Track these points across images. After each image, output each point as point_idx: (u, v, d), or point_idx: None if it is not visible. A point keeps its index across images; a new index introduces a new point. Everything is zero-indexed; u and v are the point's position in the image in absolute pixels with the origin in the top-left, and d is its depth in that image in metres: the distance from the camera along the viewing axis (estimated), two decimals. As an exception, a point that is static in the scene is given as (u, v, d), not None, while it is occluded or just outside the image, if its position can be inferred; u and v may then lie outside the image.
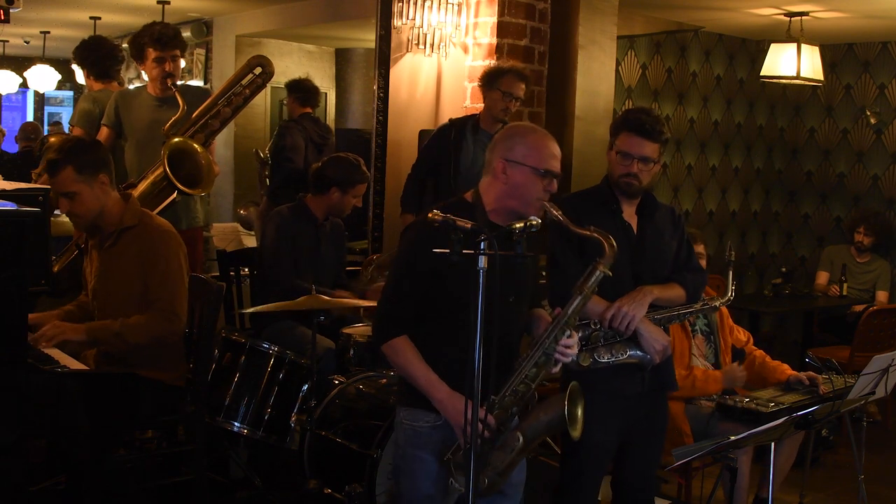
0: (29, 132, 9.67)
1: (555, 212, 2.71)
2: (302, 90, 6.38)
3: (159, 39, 4.55)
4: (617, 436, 3.20)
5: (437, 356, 2.69)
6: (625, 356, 3.10)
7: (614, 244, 2.68)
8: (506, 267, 2.43)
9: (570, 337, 2.68)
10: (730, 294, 3.41)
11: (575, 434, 2.65)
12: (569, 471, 3.24)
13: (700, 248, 4.06)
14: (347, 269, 4.94)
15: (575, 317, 2.68)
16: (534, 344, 2.69)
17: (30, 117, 14.83)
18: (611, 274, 2.69)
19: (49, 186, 3.53)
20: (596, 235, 2.69)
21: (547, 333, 2.67)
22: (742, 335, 4.32)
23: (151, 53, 4.58)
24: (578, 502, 3.23)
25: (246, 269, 5.03)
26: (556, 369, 2.71)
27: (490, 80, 4.61)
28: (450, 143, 4.65)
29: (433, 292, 2.67)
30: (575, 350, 2.71)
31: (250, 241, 6.53)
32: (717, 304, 3.37)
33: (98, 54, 5.17)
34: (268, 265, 4.48)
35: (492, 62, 5.09)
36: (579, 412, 2.67)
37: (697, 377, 3.99)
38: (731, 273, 3.42)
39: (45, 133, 10.46)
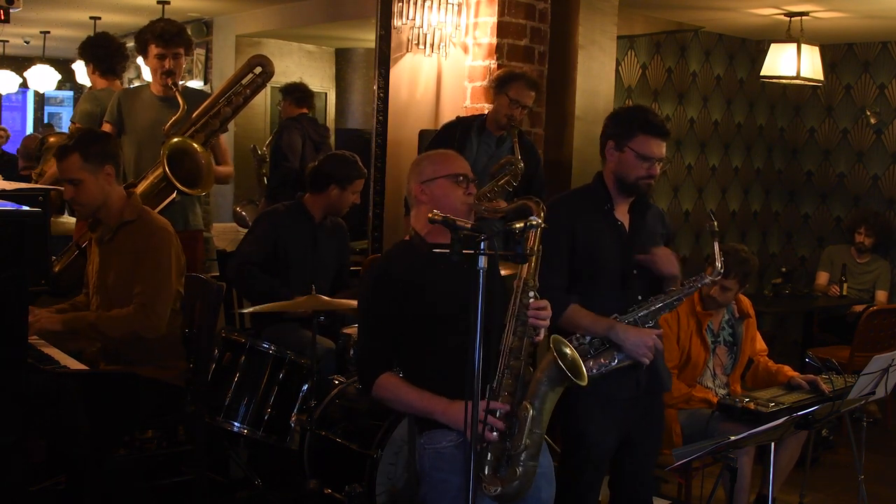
0: (31, 152, 8.22)
1: (483, 206, 2.82)
2: (298, 91, 6.44)
3: (161, 36, 4.55)
4: (615, 437, 3.20)
5: (426, 373, 2.73)
6: (616, 362, 3.07)
7: (539, 200, 2.72)
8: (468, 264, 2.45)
9: (536, 299, 2.68)
10: (719, 266, 3.18)
11: (582, 382, 2.61)
12: (568, 472, 3.23)
13: (729, 283, 4.04)
14: (350, 268, 4.94)
15: (532, 277, 2.68)
16: (508, 317, 2.69)
17: (30, 117, 14.81)
18: (545, 225, 2.67)
19: (49, 187, 3.56)
20: (521, 202, 2.77)
21: (513, 301, 2.69)
22: (759, 346, 4.32)
23: (153, 49, 4.58)
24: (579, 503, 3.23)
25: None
26: (540, 337, 2.71)
27: (500, 85, 4.55)
28: (454, 140, 4.62)
29: (408, 319, 2.74)
30: (549, 312, 2.70)
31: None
32: (707, 280, 3.21)
33: (107, 50, 5.19)
34: (236, 264, 4.43)
35: (492, 62, 5.09)
36: (573, 355, 2.65)
37: (694, 397, 4.02)
38: (716, 245, 3.15)
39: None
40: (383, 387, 2.75)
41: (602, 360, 3.07)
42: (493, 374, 2.64)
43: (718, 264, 3.14)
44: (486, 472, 2.58)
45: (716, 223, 3.12)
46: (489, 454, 2.59)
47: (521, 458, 2.57)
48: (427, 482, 2.75)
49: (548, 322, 2.71)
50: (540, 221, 2.62)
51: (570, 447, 3.24)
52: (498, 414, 2.58)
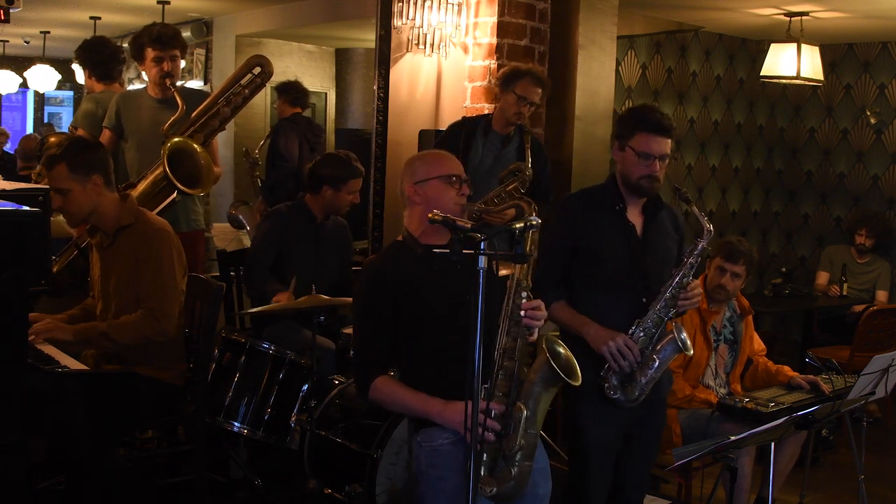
0: (29, 152, 8.61)
1: (474, 207, 2.77)
2: (293, 91, 6.43)
3: (158, 39, 4.56)
4: (619, 434, 3.20)
5: (423, 374, 2.74)
6: (656, 364, 3.07)
7: (531, 201, 2.73)
8: (465, 266, 2.46)
9: (529, 299, 2.67)
10: (709, 227, 3.11)
11: (575, 382, 2.62)
12: (573, 472, 3.23)
13: (739, 269, 4.05)
14: (352, 267, 4.93)
15: (526, 277, 2.67)
16: (502, 317, 2.69)
17: (30, 117, 14.81)
18: (539, 221, 2.65)
19: (49, 187, 3.55)
20: (517, 203, 2.79)
21: (506, 301, 2.67)
22: (758, 345, 4.31)
23: (150, 53, 4.58)
24: (587, 501, 3.23)
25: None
26: (533, 337, 2.70)
27: (506, 82, 4.49)
28: (460, 140, 4.59)
29: (403, 319, 2.75)
30: (543, 312, 2.68)
31: (249, 242, 6.53)
32: (702, 244, 3.13)
33: (101, 55, 5.17)
34: (246, 265, 4.56)
35: (492, 62, 5.09)
36: (566, 356, 2.65)
37: (696, 397, 4.02)
38: (695, 208, 3.09)
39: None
40: (379, 390, 2.75)
41: (648, 370, 3.08)
42: (490, 374, 2.64)
43: (706, 224, 3.10)
44: (483, 473, 2.58)
45: (684, 189, 3.15)
46: (485, 454, 2.58)
47: (517, 458, 2.59)
48: (424, 480, 2.75)
49: (542, 322, 2.70)
50: (538, 221, 2.62)
51: (576, 444, 3.24)
52: (493, 415, 2.58)
